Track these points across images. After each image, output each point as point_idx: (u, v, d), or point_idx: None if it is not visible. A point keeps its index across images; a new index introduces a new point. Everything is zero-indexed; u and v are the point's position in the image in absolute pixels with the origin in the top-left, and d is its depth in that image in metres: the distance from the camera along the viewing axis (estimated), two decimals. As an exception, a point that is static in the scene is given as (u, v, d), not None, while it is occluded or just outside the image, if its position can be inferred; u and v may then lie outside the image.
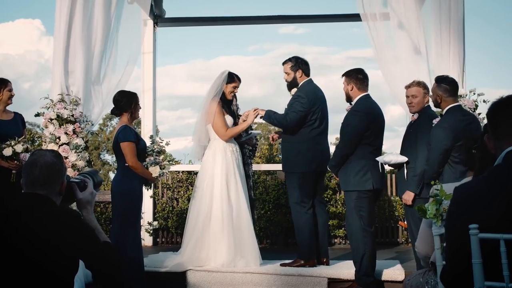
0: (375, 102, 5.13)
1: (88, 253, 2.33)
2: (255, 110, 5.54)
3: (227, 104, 5.70)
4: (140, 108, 5.07)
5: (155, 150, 5.08)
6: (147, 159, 4.94)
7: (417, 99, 4.91)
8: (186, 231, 5.55)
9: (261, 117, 5.53)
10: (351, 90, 5.08)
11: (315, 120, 5.33)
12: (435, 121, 4.77)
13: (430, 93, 4.89)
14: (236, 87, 5.69)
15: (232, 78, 5.65)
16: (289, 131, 5.39)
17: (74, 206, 2.74)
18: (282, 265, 5.41)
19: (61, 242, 2.24)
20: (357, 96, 5.06)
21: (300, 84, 5.45)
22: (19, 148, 4.99)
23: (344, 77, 5.15)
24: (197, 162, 6.67)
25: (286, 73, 5.52)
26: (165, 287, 5.28)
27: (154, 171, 4.92)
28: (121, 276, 2.44)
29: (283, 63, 5.56)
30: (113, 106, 5.01)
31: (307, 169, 5.33)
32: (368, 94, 5.11)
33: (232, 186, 5.45)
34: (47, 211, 2.32)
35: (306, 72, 5.50)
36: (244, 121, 5.60)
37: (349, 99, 5.13)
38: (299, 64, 5.48)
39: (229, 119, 5.63)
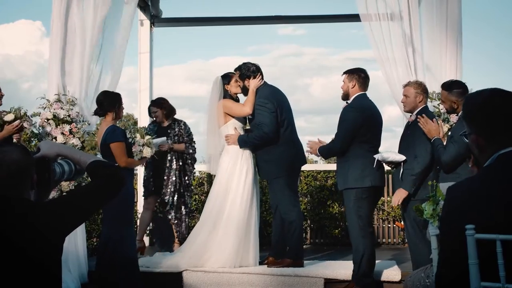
0: (371, 101, 5.14)
1: (93, 193, 2.26)
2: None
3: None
4: (124, 108, 5.08)
5: (134, 137, 5.21)
6: (134, 150, 5.02)
7: (408, 99, 4.95)
8: (201, 230, 5.45)
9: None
10: (352, 87, 5.06)
11: (283, 121, 5.42)
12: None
13: (439, 100, 4.89)
14: (237, 80, 5.56)
15: (228, 76, 5.60)
16: (269, 141, 5.38)
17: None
18: (268, 266, 5.39)
19: (59, 224, 2.15)
20: (355, 94, 5.07)
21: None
22: (10, 117, 5.13)
23: (346, 75, 5.12)
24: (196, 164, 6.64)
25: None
26: (162, 288, 5.27)
27: (147, 152, 5.15)
28: (119, 173, 2.38)
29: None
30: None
31: (292, 171, 5.45)
32: (365, 93, 5.12)
33: (252, 188, 5.46)
34: (23, 211, 2.15)
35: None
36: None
37: (346, 97, 5.12)
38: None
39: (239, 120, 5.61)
